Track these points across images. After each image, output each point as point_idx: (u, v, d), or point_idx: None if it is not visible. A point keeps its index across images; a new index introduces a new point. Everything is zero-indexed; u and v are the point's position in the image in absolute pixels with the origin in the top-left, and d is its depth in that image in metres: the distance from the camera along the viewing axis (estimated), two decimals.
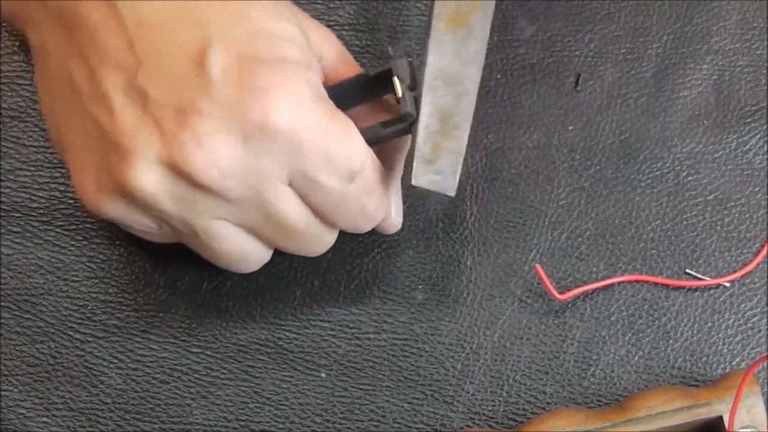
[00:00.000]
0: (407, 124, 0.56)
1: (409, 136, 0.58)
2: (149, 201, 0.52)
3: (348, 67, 0.58)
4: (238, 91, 0.51)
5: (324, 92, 0.54)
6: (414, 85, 0.56)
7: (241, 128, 0.51)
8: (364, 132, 0.55)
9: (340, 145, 0.53)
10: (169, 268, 0.62)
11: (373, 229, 0.61)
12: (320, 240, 0.57)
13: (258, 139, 0.51)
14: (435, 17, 0.54)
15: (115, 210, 0.54)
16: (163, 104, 0.51)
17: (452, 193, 0.59)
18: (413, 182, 0.58)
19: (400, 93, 0.56)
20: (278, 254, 0.62)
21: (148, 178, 0.52)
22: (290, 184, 0.53)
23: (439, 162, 0.57)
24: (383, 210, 0.58)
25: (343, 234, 0.62)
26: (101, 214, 0.54)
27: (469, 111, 0.56)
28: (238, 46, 0.51)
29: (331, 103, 0.54)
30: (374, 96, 0.58)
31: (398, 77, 0.56)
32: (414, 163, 0.57)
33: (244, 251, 0.56)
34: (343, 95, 0.56)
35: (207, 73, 0.51)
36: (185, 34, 0.51)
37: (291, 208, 0.54)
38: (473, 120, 0.63)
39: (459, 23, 0.54)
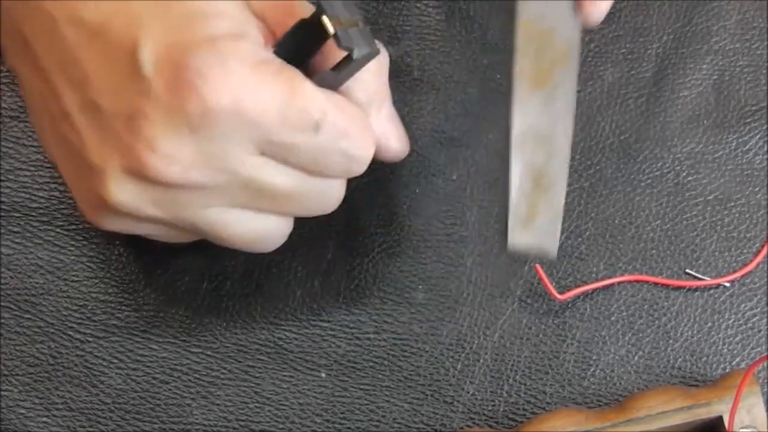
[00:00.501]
0: (358, 58, 0.53)
1: (379, 58, 0.55)
2: (133, 212, 0.53)
3: (295, 19, 0.55)
4: (172, 84, 0.50)
5: (266, 55, 0.52)
6: (355, 21, 0.53)
7: (185, 121, 0.50)
8: (316, 82, 0.53)
9: (291, 102, 0.52)
10: (169, 268, 0.62)
11: (374, 228, 0.61)
12: (326, 194, 0.56)
13: (205, 126, 0.51)
14: (517, 75, 0.53)
15: (113, 224, 0.54)
16: (115, 115, 0.51)
17: (553, 254, 0.57)
18: (509, 246, 0.56)
19: (332, 31, 0.52)
20: (278, 254, 0.62)
21: (122, 191, 0.52)
22: (263, 154, 0.53)
23: (537, 222, 0.55)
24: (369, 146, 0.55)
25: (343, 234, 0.62)
26: (103, 229, 0.55)
27: (563, 167, 0.55)
28: (166, 37, 0.51)
29: (276, 61, 0.52)
30: (321, 42, 0.55)
31: (329, 16, 0.53)
32: (509, 225, 0.56)
33: (257, 230, 0.55)
34: (292, 49, 0.54)
35: (142, 72, 0.50)
36: (120, 34, 0.51)
37: (275, 176, 0.53)
38: (473, 121, 0.63)
39: (543, 79, 0.54)
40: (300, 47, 0.54)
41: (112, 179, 0.52)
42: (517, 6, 0.53)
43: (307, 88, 0.52)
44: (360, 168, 0.55)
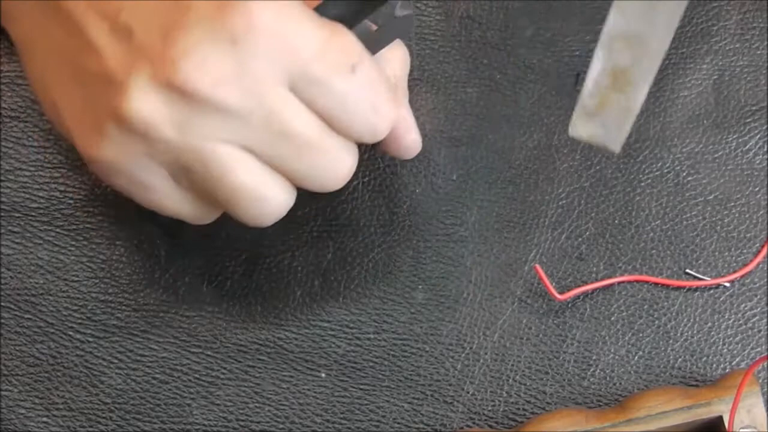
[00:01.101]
0: (399, 17, 0.54)
1: (404, 53, 0.57)
2: (149, 128, 0.51)
3: None
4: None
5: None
6: None
7: (227, 32, 0.50)
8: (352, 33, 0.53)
9: (332, 39, 0.52)
10: (170, 268, 0.62)
11: (374, 228, 0.61)
12: (338, 160, 0.54)
13: (246, 41, 0.50)
14: None
15: (116, 150, 0.52)
16: (149, 32, 0.51)
17: (616, 148, 0.54)
18: (570, 132, 0.54)
19: None
20: (279, 253, 0.62)
21: (145, 102, 0.51)
22: (292, 90, 0.52)
23: (604, 116, 0.53)
24: (393, 109, 0.55)
25: (343, 234, 0.62)
26: (103, 162, 0.53)
27: (650, 70, 0.53)
28: None
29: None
30: (359, 18, 0.56)
31: None
32: (574, 113, 0.54)
33: (260, 188, 0.53)
34: (328, 15, 0.55)
35: None
36: None
37: (298, 115, 0.52)
38: (473, 121, 0.64)
39: None
40: (338, 16, 0.55)
41: (134, 90, 0.51)
42: None
43: (347, 32, 0.53)
44: (382, 127, 0.54)
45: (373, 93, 0.53)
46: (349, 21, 0.55)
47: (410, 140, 0.59)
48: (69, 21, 0.54)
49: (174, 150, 0.52)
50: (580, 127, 0.54)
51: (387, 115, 0.54)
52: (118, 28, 0.52)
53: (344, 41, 0.52)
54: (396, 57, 0.58)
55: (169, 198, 0.55)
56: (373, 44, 0.55)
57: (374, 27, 0.55)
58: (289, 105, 0.52)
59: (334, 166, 0.54)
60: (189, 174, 0.53)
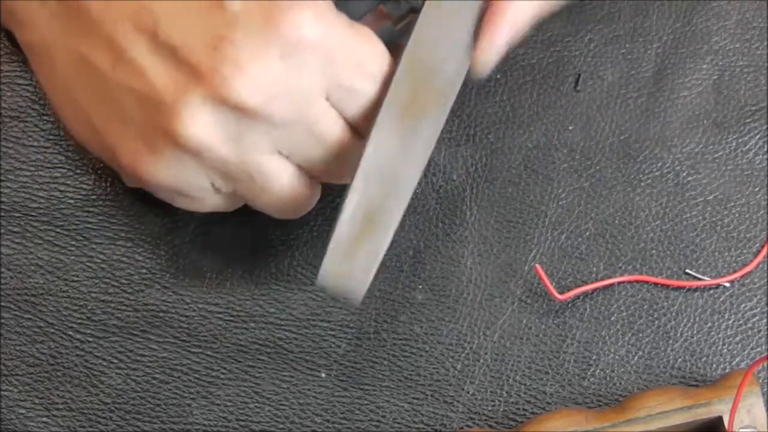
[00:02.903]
0: (416, 12, 0.55)
1: None
2: (203, 147, 0.52)
3: None
4: (265, 12, 0.51)
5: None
6: None
7: (277, 47, 0.51)
8: (378, 34, 0.55)
9: (367, 49, 0.54)
10: (170, 268, 0.62)
11: None
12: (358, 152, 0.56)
13: (295, 55, 0.52)
14: (386, 103, 0.54)
15: (169, 170, 0.54)
16: (194, 49, 0.51)
17: (358, 301, 0.55)
18: (318, 280, 0.54)
19: None
20: (279, 253, 0.62)
21: (199, 122, 0.52)
22: (327, 99, 0.54)
23: (354, 263, 0.54)
24: None
25: None
26: (154, 180, 0.54)
27: (397, 212, 0.54)
28: None
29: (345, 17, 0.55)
30: (373, 7, 0.58)
31: None
32: (326, 256, 0.54)
33: (293, 187, 0.55)
34: (347, 11, 0.56)
35: (229, 7, 0.51)
36: None
37: (333, 123, 0.54)
38: (473, 121, 0.63)
39: (413, 112, 0.54)
40: (354, 10, 0.57)
41: (187, 110, 0.51)
42: (412, 33, 0.55)
43: (377, 39, 0.54)
44: None
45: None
46: (374, 23, 0.57)
47: None
48: (96, 31, 0.53)
49: (225, 165, 0.54)
50: (330, 277, 0.54)
51: None
52: (160, 44, 0.52)
53: (377, 50, 0.54)
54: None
55: (208, 203, 0.57)
56: (393, 36, 0.57)
57: (395, 27, 0.57)
58: (328, 114, 0.54)
59: (352, 163, 0.56)
60: (234, 183, 0.55)
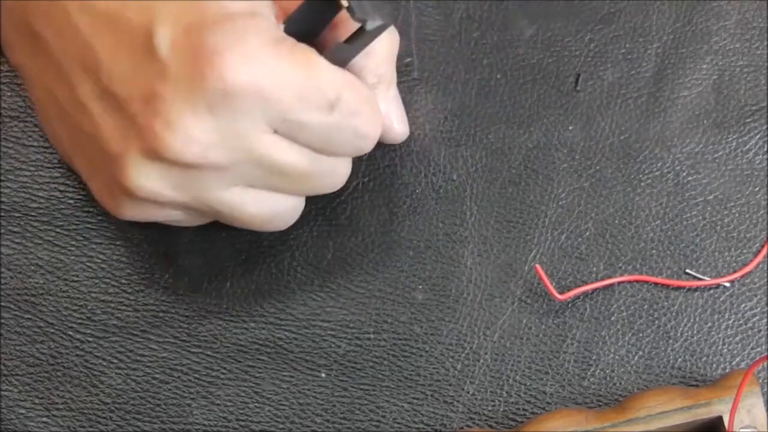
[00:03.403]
0: (371, 30, 0.54)
1: (391, 41, 0.57)
2: (154, 197, 0.53)
3: None
4: (190, 64, 0.50)
5: (280, 33, 0.53)
6: None
7: (204, 100, 0.51)
8: (329, 56, 0.53)
9: (308, 81, 0.52)
10: (170, 268, 0.62)
11: (374, 228, 0.61)
12: (335, 172, 0.56)
13: (224, 105, 0.51)
14: None
15: (134, 211, 0.55)
16: (131, 99, 0.51)
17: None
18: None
19: (346, 3, 0.53)
20: (279, 253, 0.62)
21: (142, 176, 0.52)
22: (276, 132, 0.53)
23: None
24: (377, 125, 0.56)
25: (343, 234, 0.62)
26: (127, 219, 0.56)
27: None
28: (180, 18, 0.51)
29: (290, 40, 0.53)
30: (332, 16, 0.56)
31: None
32: None
33: (271, 208, 0.56)
34: (303, 25, 0.55)
35: (158, 55, 0.51)
36: (133, 20, 0.51)
37: (287, 154, 0.54)
38: (473, 121, 0.64)
39: None
40: (311, 23, 0.55)
41: (131, 164, 0.52)
42: None
43: (323, 66, 0.53)
44: (368, 146, 0.56)
45: (355, 120, 0.55)
46: (315, 33, 0.55)
47: (395, 132, 0.61)
48: (56, 66, 0.54)
49: (184, 205, 0.54)
50: None
51: (370, 136, 0.56)
52: (103, 90, 0.52)
53: (320, 79, 0.53)
54: (381, 48, 0.58)
55: (187, 222, 0.58)
56: (349, 56, 0.55)
57: (346, 46, 0.55)
58: (275, 147, 0.53)
59: (331, 178, 0.57)
60: (203, 211, 0.56)
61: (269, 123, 0.52)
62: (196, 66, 0.50)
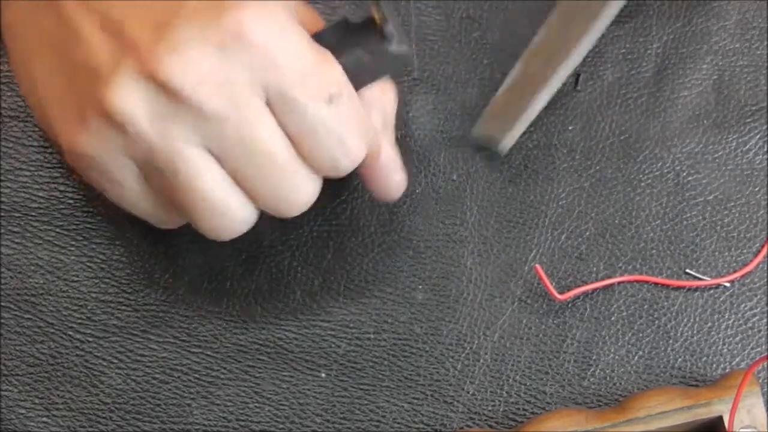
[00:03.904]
0: (393, 54, 0.55)
1: (395, 93, 0.58)
2: (128, 122, 0.52)
3: (313, 20, 0.57)
4: (213, 7, 0.51)
5: (301, 26, 0.54)
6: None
7: (215, 36, 0.51)
8: (343, 60, 0.54)
9: (317, 66, 0.53)
10: (170, 268, 0.62)
11: (374, 228, 0.61)
12: (300, 184, 0.55)
13: (233, 48, 0.51)
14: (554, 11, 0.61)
15: (93, 142, 0.53)
16: (140, 28, 0.51)
17: (506, 146, 0.63)
18: (473, 132, 0.63)
19: (380, 17, 0.54)
20: (279, 253, 0.62)
21: (127, 95, 0.51)
22: (268, 106, 0.53)
23: (502, 119, 0.62)
24: (361, 147, 0.55)
25: (343, 234, 0.62)
26: (80, 153, 0.54)
27: (552, 86, 0.62)
28: None
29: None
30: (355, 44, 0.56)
31: (378, 6, 0.55)
32: (480, 118, 0.63)
33: (223, 197, 0.54)
34: (326, 45, 0.55)
35: None
36: None
37: (269, 131, 0.53)
38: (474, 121, 0.64)
39: (582, 17, 0.61)
40: (334, 44, 0.55)
41: (118, 82, 0.51)
42: None
43: (334, 63, 0.53)
44: (344, 165, 0.55)
45: (345, 127, 0.54)
46: (343, 49, 0.55)
47: (396, 180, 0.59)
48: (58, 11, 0.54)
49: (147, 146, 0.53)
50: (479, 129, 0.63)
51: (353, 152, 0.55)
52: (109, 22, 0.52)
53: (329, 70, 0.53)
54: (387, 96, 0.59)
55: (136, 197, 0.55)
56: (364, 76, 0.55)
57: (366, 57, 0.55)
58: (263, 119, 0.53)
59: (295, 192, 0.54)
60: (158, 174, 0.54)
61: (266, 89, 0.52)
62: (218, 8, 0.51)
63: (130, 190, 0.55)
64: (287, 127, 0.53)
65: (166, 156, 0.53)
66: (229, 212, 0.54)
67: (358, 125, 0.55)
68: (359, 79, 0.55)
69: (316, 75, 0.53)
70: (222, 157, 0.53)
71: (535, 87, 0.62)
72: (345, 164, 0.55)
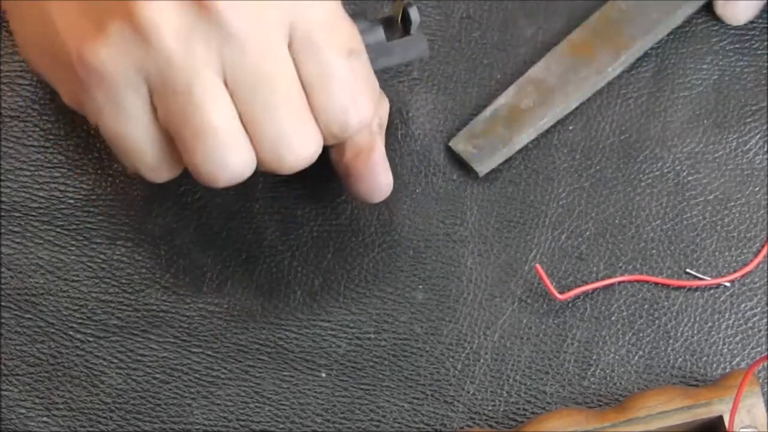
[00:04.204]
0: (413, 37, 0.57)
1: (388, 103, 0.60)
2: (154, 33, 0.51)
3: None
4: None
5: None
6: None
7: None
8: (363, 33, 0.56)
9: (342, 21, 0.54)
10: (170, 268, 0.62)
11: (374, 228, 0.61)
12: (305, 136, 0.54)
13: None
14: (567, 38, 0.63)
15: (111, 52, 0.52)
16: None
17: (480, 172, 0.63)
18: (450, 143, 0.63)
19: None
20: (279, 253, 0.62)
21: (159, 5, 0.51)
22: (290, 45, 0.53)
23: (483, 141, 0.62)
24: (370, 111, 0.55)
25: (343, 234, 0.62)
26: (93, 64, 0.53)
27: (542, 119, 0.62)
28: None
29: None
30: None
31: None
32: (461, 131, 0.63)
33: (228, 132, 0.53)
34: None
35: None
36: None
37: (285, 67, 0.53)
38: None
39: (582, 51, 0.63)
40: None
41: None
42: None
43: (356, 27, 0.55)
44: (352, 123, 0.55)
45: (358, 84, 0.55)
46: (365, 27, 0.58)
47: (383, 180, 0.58)
48: None
49: (166, 63, 0.52)
50: (459, 143, 0.63)
51: (361, 111, 0.55)
52: None
53: (351, 28, 0.55)
54: (383, 103, 0.60)
55: (136, 128, 0.54)
56: (381, 55, 0.57)
57: (386, 37, 0.58)
58: (283, 56, 0.53)
59: (298, 143, 0.54)
60: (168, 98, 0.53)
61: (293, 30, 0.53)
62: None
63: (132, 119, 0.54)
64: (304, 72, 0.54)
65: (184, 75, 0.52)
66: (231, 152, 0.53)
67: (369, 88, 0.55)
68: (376, 57, 0.57)
69: (341, 29, 0.54)
70: (236, 91, 0.53)
71: (523, 123, 0.63)
72: (353, 121, 0.55)
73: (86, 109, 0.55)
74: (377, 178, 0.58)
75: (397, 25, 0.58)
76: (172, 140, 0.54)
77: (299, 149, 0.54)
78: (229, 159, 0.53)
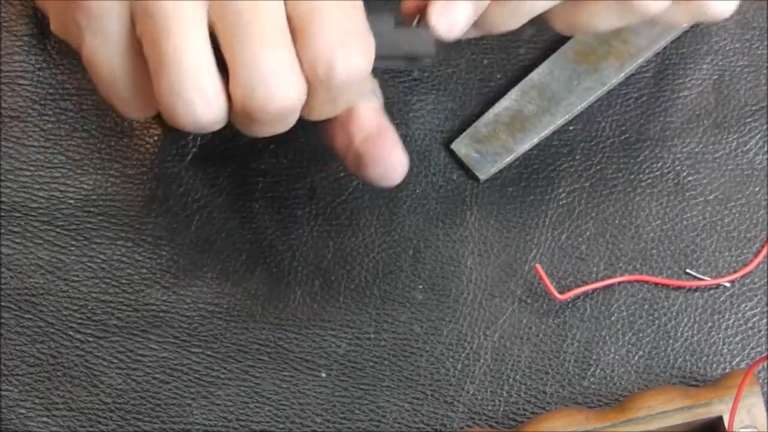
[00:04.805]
0: (420, 38, 0.55)
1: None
2: None
3: None
4: None
5: None
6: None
7: None
8: (372, 18, 0.53)
9: None
10: (170, 268, 0.62)
11: (374, 228, 0.61)
12: (284, 76, 0.51)
13: None
14: (571, 42, 0.63)
15: None
16: None
17: (481, 177, 0.63)
18: (452, 146, 0.63)
19: None
20: (279, 253, 0.62)
21: None
22: None
23: (485, 146, 0.62)
24: (362, 65, 0.51)
25: (343, 234, 0.62)
26: None
27: (545, 127, 0.63)
28: None
29: None
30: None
31: None
32: (463, 134, 0.63)
33: (204, 69, 0.51)
34: None
35: None
36: None
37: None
38: (474, 120, 0.64)
39: (586, 59, 0.63)
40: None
41: None
42: None
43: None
44: (341, 70, 0.51)
45: (349, 25, 0.51)
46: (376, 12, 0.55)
47: (398, 158, 0.56)
48: None
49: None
50: (462, 146, 0.63)
51: (351, 57, 0.51)
52: None
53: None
54: (378, 95, 0.58)
55: (114, 55, 0.52)
56: (387, 45, 0.54)
57: (395, 24, 0.54)
58: None
59: (277, 80, 0.51)
60: (145, 22, 0.51)
61: None
62: None
63: (110, 44, 0.52)
64: (293, 6, 0.51)
65: None
66: (204, 90, 0.51)
67: (362, 36, 0.51)
68: (382, 46, 0.53)
69: None
70: (216, 22, 0.51)
71: (526, 130, 0.63)
72: (340, 65, 0.51)
73: (70, 34, 0.53)
74: (392, 159, 0.55)
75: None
76: (149, 75, 0.52)
77: (276, 89, 0.50)
78: (194, 96, 0.51)
